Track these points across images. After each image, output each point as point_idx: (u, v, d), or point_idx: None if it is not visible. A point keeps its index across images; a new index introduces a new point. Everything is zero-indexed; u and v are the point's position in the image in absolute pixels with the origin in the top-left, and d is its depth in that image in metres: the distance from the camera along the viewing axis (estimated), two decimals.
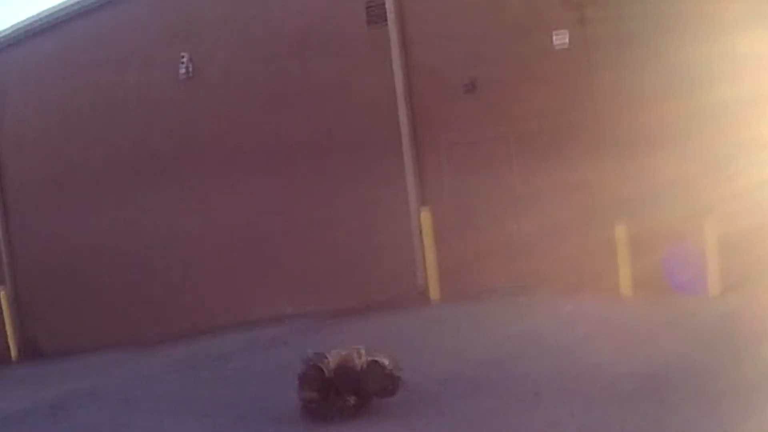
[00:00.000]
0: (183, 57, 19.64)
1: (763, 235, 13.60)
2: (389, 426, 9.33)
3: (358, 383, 9.74)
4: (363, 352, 10.01)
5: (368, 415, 9.60)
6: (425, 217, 16.61)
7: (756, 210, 13.61)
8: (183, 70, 19.69)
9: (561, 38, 15.61)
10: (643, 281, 14.20)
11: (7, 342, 19.77)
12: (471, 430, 8.87)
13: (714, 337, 11.26)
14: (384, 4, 17.30)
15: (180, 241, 19.38)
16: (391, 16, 17.28)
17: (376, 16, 17.50)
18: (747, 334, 10.96)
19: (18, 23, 22.06)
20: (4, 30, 22.29)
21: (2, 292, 19.90)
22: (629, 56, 14.93)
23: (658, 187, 14.51)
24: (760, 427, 7.79)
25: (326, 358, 9.88)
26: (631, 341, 11.56)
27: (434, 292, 16.56)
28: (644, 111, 14.79)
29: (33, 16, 21.59)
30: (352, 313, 16.42)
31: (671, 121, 14.48)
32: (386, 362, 9.81)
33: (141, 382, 14.15)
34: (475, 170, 16.78)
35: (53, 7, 21.26)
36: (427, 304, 16.45)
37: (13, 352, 19.82)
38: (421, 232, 16.76)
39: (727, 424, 7.93)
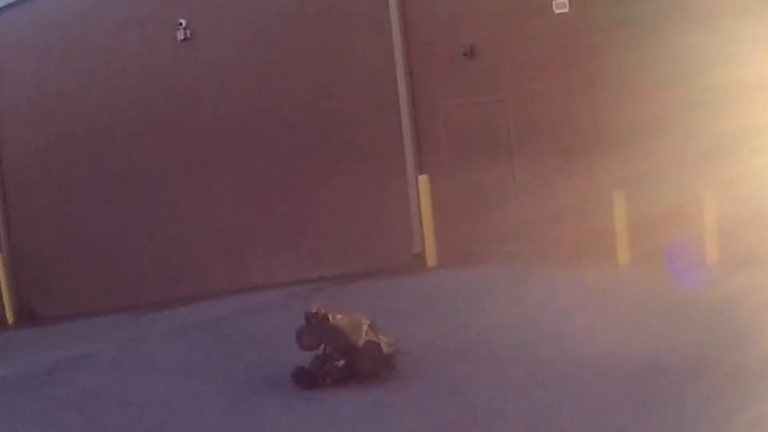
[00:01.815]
0: (181, 23, 19.53)
1: (762, 211, 13.60)
2: (380, 393, 9.31)
3: (350, 350, 9.72)
4: (368, 324, 9.96)
5: (358, 380, 9.57)
6: (423, 184, 16.58)
7: (755, 188, 13.61)
8: (181, 36, 19.59)
9: (561, 4, 15.54)
10: (640, 252, 14.16)
11: (3, 307, 19.75)
12: (462, 398, 8.83)
13: (707, 307, 11.27)
14: None
15: (178, 205, 19.34)
16: None
17: None
18: (741, 306, 10.94)
19: None
20: None
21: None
22: (629, 23, 14.88)
23: (659, 156, 14.49)
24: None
25: (329, 316, 9.83)
26: (626, 312, 11.56)
27: (431, 258, 16.57)
28: (644, 78, 14.79)
29: None
30: (350, 279, 16.42)
31: (673, 91, 14.45)
32: (385, 344, 9.75)
33: (137, 346, 14.11)
34: (474, 136, 16.80)
35: None
36: (424, 270, 16.48)
37: (10, 317, 19.80)
38: (419, 198, 16.73)
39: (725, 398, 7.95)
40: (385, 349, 9.70)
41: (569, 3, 15.46)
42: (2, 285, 19.69)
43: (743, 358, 8.87)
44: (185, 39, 19.51)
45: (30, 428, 9.86)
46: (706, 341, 9.71)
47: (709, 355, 9.19)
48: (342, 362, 9.68)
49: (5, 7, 22.00)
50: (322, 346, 9.79)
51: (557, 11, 15.62)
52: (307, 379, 9.76)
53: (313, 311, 9.83)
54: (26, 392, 11.77)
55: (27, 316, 19.95)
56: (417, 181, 16.78)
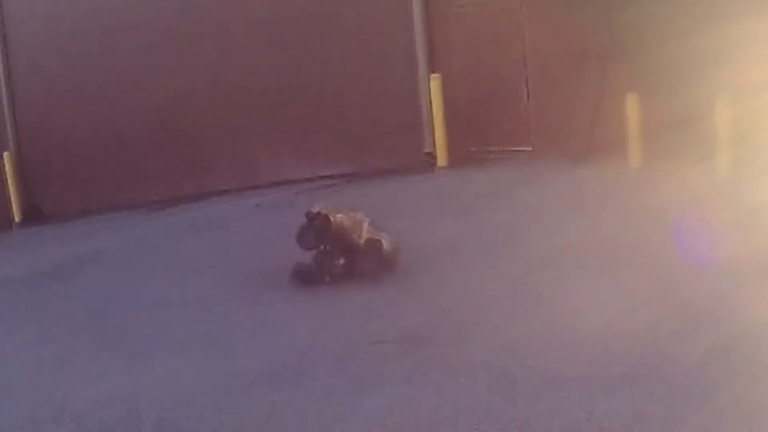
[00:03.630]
0: None
1: None
2: (381, 288, 9.37)
3: (350, 249, 9.78)
4: (366, 222, 9.99)
5: (359, 278, 9.67)
6: (434, 83, 16.48)
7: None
8: None
9: None
10: (653, 153, 14.04)
11: (10, 206, 19.71)
12: (463, 296, 8.89)
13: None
14: None
15: (186, 100, 19.15)
16: None
17: None
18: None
19: None
20: None
21: (6, 155, 19.75)
22: None
23: (674, 62, 14.27)
24: None
25: (330, 217, 9.84)
26: (634, 212, 11.46)
27: (441, 157, 16.54)
28: None
29: None
30: (359, 178, 16.45)
31: None
32: (385, 244, 9.82)
33: (143, 244, 14.28)
34: (486, 38, 16.57)
35: None
36: (433, 169, 16.48)
37: (17, 216, 19.79)
38: (430, 98, 16.63)
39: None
40: (386, 246, 9.76)
41: None
42: (9, 183, 19.64)
43: None
44: None
45: (36, 325, 9.94)
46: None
47: None
48: (342, 260, 9.82)
49: None
50: (323, 246, 9.90)
51: None
52: (307, 277, 9.88)
53: (315, 211, 9.86)
54: (33, 290, 11.86)
55: (35, 215, 19.91)
56: (428, 80, 16.60)
